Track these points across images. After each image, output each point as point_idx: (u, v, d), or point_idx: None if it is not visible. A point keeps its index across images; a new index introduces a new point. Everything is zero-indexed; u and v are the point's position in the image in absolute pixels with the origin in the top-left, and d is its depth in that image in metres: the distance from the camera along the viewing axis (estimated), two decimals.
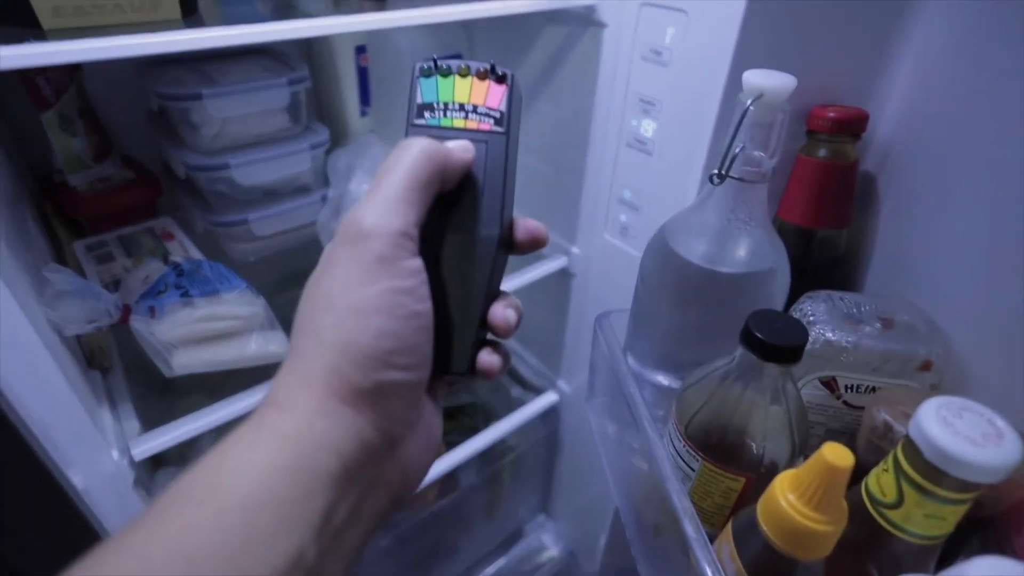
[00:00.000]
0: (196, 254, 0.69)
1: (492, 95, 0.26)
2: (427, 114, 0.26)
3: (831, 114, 0.45)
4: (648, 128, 0.61)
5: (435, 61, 0.26)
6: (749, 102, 0.34)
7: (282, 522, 0.19)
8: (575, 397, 0.91)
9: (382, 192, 0.23)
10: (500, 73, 0.26)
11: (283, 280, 0.78)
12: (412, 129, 0.26)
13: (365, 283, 0.22)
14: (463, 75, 0.26)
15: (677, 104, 0.57)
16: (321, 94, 0.88)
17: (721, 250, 0.39)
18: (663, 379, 0.48)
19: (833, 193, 0.46)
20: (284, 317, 0.68)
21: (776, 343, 0.32)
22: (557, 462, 1.05)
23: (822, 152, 0.47)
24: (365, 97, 0.86)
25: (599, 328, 0.52)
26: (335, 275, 0.22)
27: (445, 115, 0.26)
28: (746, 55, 0.48)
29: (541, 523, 1.15)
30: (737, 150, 0.35)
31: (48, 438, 0.43)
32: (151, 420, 0.54)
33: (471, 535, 1.03)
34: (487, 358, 0.26)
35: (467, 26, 0.80)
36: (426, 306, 0.23)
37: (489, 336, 0.27)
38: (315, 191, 0.77)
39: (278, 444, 0.20)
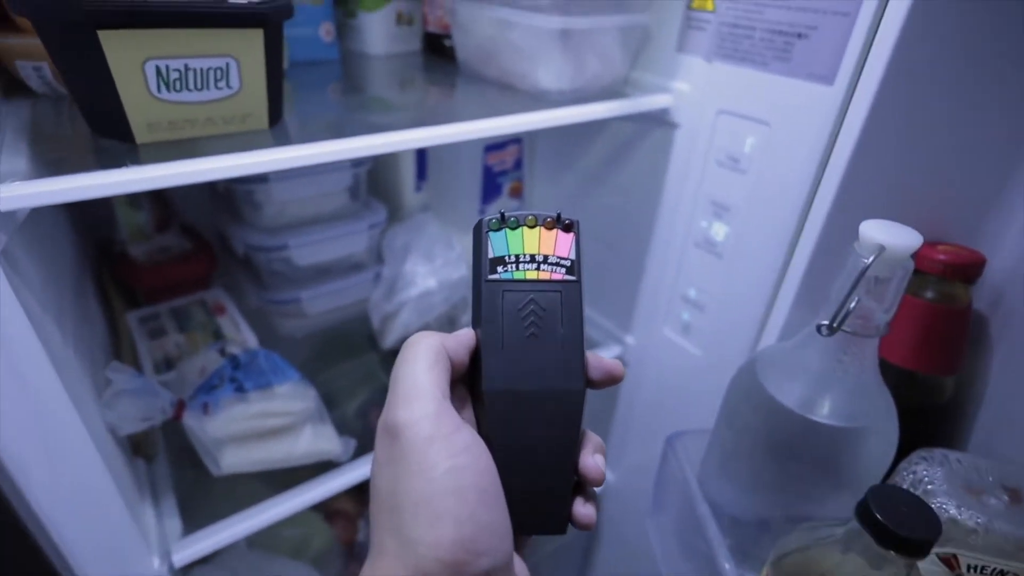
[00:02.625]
0: (246, 330, 0.69)
1: (561, 244, 0.27)
2: (500, 268, 0.26)
3: (941, 256, 0.42)
4: (719, 232, 0.59)
5: (502, 215, 0.27)
6: (870, 259, 0.31)
7: None
8: (618, 488, 0.86)
9: (402, 388, 0.23)
10: (566, 222, 0.27)
11: (330, 354, 0.76)
12: (487, 285, 0.26)
13: (424, 474, 0.22)
14: (531, 226, 0.27)
15: (753, 211, 0.55)
16: (379, 169, 0.89)
17: (824, 398, 0.36)
18: (741, 513, 0.44)
19: (941, 337, 0.43)
20: (328, 392, 0.66)
21: (904, 534, 0.28)
22: (596, 550, 1.00)
23: (930, 294, 0.44)
24: (422, 172, 0.86)
25: (670, 449, 0.49)
26: (391, 469, 0.22)
27: (518, 268, 0.26)
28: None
29: None
30: (852, 305, 0.32)
31: (86, 552, 0.41)
32: (190, 509, 0.52)
33: None
34: (582, 511, 0.26)
35: None
36: (493, 479, 0.23)
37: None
38: (369, 269, 0.76)
39: None
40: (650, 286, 0.70)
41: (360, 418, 0.67)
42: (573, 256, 0.27)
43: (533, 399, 0.25)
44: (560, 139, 0.79)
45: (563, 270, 0.26)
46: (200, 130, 0.39)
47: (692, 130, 0.59)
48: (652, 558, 0.75)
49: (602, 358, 0.27)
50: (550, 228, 0.27)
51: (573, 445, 0.26)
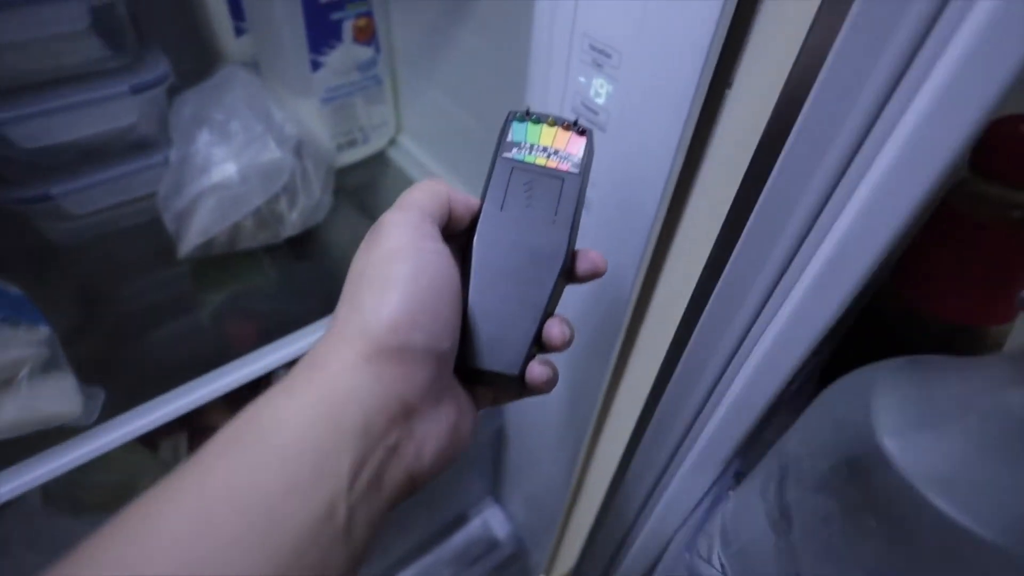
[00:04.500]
0: None
1: (573, 144, 0.30)
2: (515, 150, 0.30)
3: None
4: (601, 90, 0.40)
5: (528, 110, 0.31)
6: None
7: (317, 472, 0.20)
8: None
9: (397, 201, 0.27)
10: (582, 128, 0.31)
11: (115, 271, 0.59)
12: (500, 160, 0.30)
13: (393, 260, 0.24)
14: (551, 124, 0.31)
15: (644, 55, 0.36)
16: (177, 5, 0.64)
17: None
18: None
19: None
20: (115, 326, 0.51)
21: None
22: (505, 455, 0.92)
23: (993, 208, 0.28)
24: (237, 9, 0.62)
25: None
26: (368, 255, 0.25)
27: (530, 153, 0.30)
28: None
29: (490, 510, 1.04)
30: None
31: None
32: None
33: (411, 519, 0.93)
34: (538, 368, 0.27)
35: None
36: (451, 282, 0.25)
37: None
38: (159, 150, 0.56)
39: (312, 398, 0.22)
40: None
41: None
42: (581, 155, 0.30)
43: (516, 255, 0.28)
44: None
45: (569, 164, 0.30)
46: None
47: None
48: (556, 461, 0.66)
49: (589, 250, 0.29)
50: (567, 129, 0.31)
51: (541, 304, 0.27)
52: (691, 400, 0.39)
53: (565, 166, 0.30)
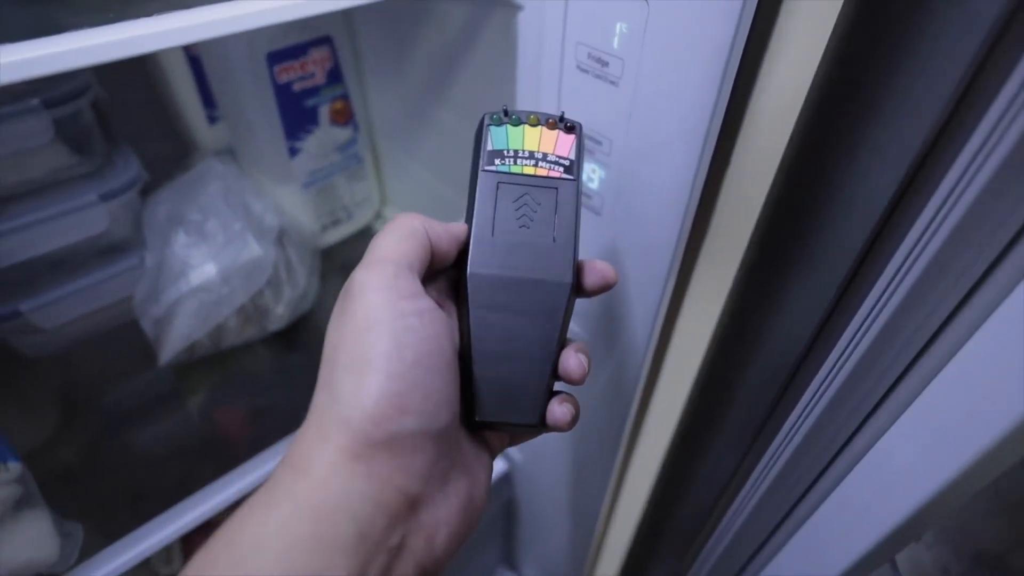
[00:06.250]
0: None
1: (561, 144, 0.27)
2: (497, 161, 0.26)
3: None
4: (593, 175, 0.38)
5: (505, 110, 0.27)
6: None
7: None
8: (528, 465, 0.72)
9: (369, 254, 0.23)
10: (569, 123, 0.27)
11: (92, 378, 0.56)
12: (482, 174, 0.26)
13: (369, 333, 0.21)
14: (533, 124, 0.27)
15: (635, 146, 0.34)
16: (145, 92, 0.62)
17: None
18: None
19: None
20: (96, 434, 0.48)
21: None
22: (517, 522, 0.89)
23: None
24: (208, 98, 0.61)
25: None
26: (340, 328, 0.22)
27: (515, 162, 0.26)
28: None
29: None
30: None
31: None
32: None
33: None
34: (558, 409, 0.25)
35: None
36: (440, 346, 0.22)
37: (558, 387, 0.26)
38: (132, 252, 0.54)
39: (293, 512, 0.19)
40: None
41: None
42: (573, 157, 0.26)
43: (517, 287, 0.25)
44: (387, 31, 0.54)
45: (561, 169, 0.26)
46: None
47: (539, 12, 0.36)
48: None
49: (596, 261, 0.26)
50: (552, 128, 0.27)
51: (554, 339, 0.25)
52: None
53: (557, 172, 0.26)
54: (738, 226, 0.33)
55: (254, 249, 0.50)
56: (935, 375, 0.24)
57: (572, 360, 0.25)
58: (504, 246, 0.25)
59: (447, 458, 0.22)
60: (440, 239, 0.24)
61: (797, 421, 0.34)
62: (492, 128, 0.26)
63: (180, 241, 0.50)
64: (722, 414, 0.43)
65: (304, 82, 0.54)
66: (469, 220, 0.26)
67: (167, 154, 0.64)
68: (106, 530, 0.46)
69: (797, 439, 0.34)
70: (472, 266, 0.25)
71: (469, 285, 0.24)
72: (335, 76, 0.56)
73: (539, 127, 0.27)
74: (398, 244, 0.23)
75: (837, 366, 0.31)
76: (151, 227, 0.52)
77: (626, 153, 0.35)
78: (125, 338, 0.56)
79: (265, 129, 0.55)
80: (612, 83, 0.33)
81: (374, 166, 0.68)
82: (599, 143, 0.36)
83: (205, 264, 0.49)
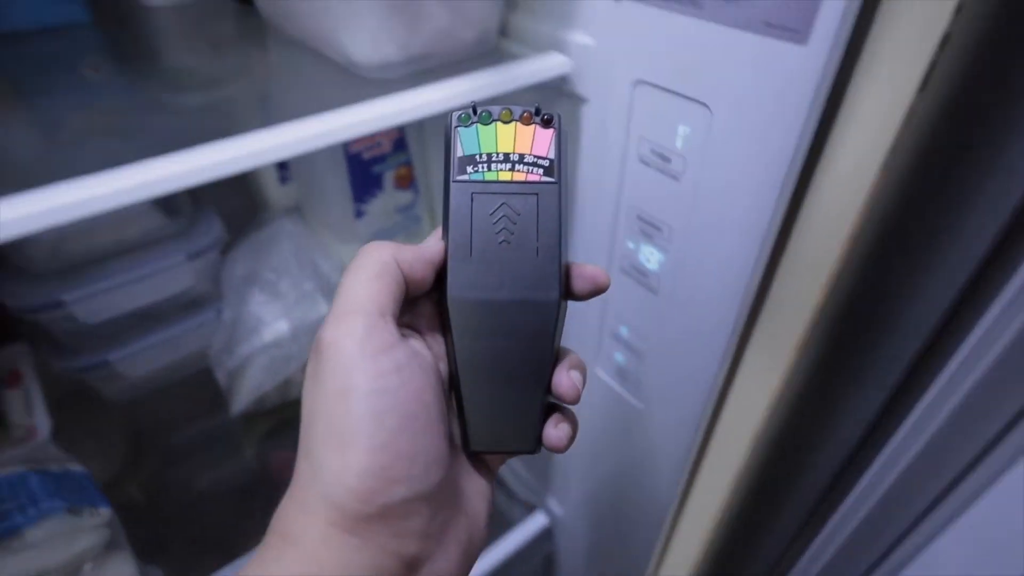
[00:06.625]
0: (39, 412, 0.51)
1: (539, 141, 0.24)
2: (470, 168, 0.24)
3: None
4: (651, 258, 0.40)
5: (474, 108, 0.24)
6: None
7: None
8: (570, 520, 0.73)
9: (337, 303, 0.21)
10: (546, 116, 0.24)
11: (166, 421, 0.60)
12: (454, 186, 0.24)
13: (347, 399, 0.19)
14: (506, 121, 0.24)
15: (693, 234, 0.36)
16: None
17: None
18: None
19: None
20: (170, 480, 0.50)
21: None
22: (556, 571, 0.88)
23: None
24: (282, 162, 0.65)
25: None
26: (315, 392, 0.20)
27: (489, 168, 0.24)
28: None
29: None
30: None
31: None
32: None
33: None
34: (553, 432, 0.23)
35: None
36: (424, 399, 0.21)
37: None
38: (210, 306, 0.58)
39: None
40: (571, 315, 0.52)
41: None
42: (552, 155, 0.24)
43: (502, 310, 0.23)
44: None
45: (540, 171, 0.24)
46: None
47: (603, 107, 0.39)
48: None
49: (585, 265, 0.24)
50: (527, 123, 0.24)
51: (545, 360, 0.23)
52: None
53: (536, 175, 0.24)
54: (792, 316, 0.35)
55: (323, 308, 0.53)
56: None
57: (564, 380, 0.23)
58: (484, 266, 0.23)
59: (445, 509, 0.21)
60: (413, 269, 0.23)
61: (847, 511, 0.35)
62: (461, 130, 0.24)
63: (256, 299, 0.53)
64: (775, 489, 0.44)
65: (373, 151, 0.58)
66: (445, 236, 0.24)
67: (239, 209, 0.69)
68: (172, 568, 0.49)
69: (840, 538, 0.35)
70: (452, 290, 0.23)
71: (451, 312, 0.23)
72: (400, 145, 0.60)
73: (513, 123, 0.24)
74: (366, 289, 0.21)
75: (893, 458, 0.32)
76: (228, 283, 0.56)
77: (685, 241, 0.37)
78: (197, 385, 0.60)
79: (335, 193, 0.59)
80: (673, 177, 0.36)
81: (431, 224, 0.71)
82: (659, 229, 0.39)
83: (277, 321, 0.53)
